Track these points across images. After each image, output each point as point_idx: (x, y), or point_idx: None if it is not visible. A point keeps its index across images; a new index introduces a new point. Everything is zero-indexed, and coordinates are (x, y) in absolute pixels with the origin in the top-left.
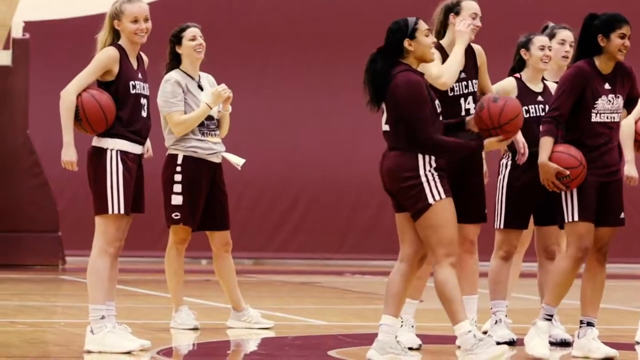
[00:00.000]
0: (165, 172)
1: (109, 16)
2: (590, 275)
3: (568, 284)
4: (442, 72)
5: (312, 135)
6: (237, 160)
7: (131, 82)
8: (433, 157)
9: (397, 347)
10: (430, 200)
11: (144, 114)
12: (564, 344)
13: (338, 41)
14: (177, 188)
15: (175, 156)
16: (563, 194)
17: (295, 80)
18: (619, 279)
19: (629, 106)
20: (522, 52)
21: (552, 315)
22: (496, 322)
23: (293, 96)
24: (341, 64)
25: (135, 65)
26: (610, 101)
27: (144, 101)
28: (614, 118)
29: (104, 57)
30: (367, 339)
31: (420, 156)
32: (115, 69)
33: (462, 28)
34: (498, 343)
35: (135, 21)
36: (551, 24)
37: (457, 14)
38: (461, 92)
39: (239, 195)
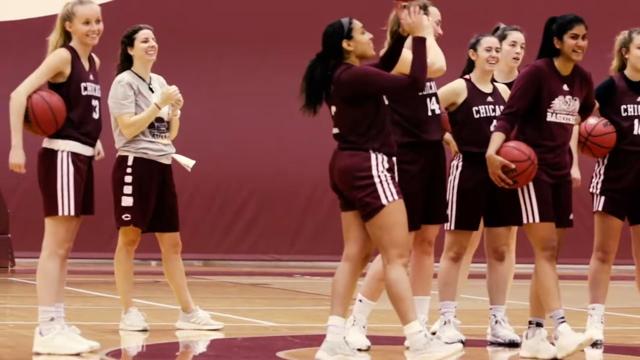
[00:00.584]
0: (115, 173)
1: (60, 18)
2: (540, 277)
3: (554, 284)
4: (434, 60)
5: (263, 137)
6: (187, 162)
7: (82, 84)
8: (385, 158)
9: (345, 348)
10: (384, 201)
11: (95, 115)
12: (513, 344)
13: (291, 42)
14: (128, 189)
15: (125, 158)
16: (521, 195)
17: (247, 81)
18: (567, 280)
19: (584, 113)
20: (470, 52)
21: (563, 317)
22: (445, 323)
23: (244, 98)
24: (293, 65)
25: (86, 66)
26: (567, 102)
27: (95, 103)
28: (569, 120)
29: (56, 59)
30: (317, 340)
31: (373, 156)
32: (67, 71)
33: (426, 22)
34: (447, 344)
35: (87, 23)
36: (502, 25)
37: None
38: (428, 92)
39: (189, 196)
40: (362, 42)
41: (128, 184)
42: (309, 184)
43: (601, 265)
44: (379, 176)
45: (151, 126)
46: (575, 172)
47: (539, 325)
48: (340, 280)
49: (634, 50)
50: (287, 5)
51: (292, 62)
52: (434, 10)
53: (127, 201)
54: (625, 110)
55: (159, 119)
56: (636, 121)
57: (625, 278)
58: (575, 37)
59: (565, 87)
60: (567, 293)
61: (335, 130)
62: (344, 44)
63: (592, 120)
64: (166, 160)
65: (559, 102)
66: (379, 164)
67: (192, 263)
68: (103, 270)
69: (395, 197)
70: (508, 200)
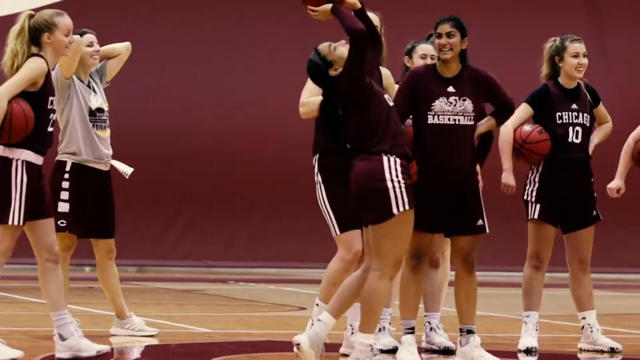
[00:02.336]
0: (53, 178)
1: (32, 28)
2: (461, 284)
3: (413, 293)
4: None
5: (198, 141)
6: (125, 169)
7: (50, 97)
8: (398, 161)
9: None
10: (394, 210)
11: (51, 129)
12: (447, 351)
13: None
14: (65, 195)
15: (63, 163)
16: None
17: (183, 87)
18: (501, 287)
19: (500, 114)
20: (406, 59)
21: (412, 329)
22: (380, 330)
23: (183, 97)
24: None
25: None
26: (451, 103)
27: (52, 116)
28: (459, 120)
29: (37, 68)
30: (251, 347)
31: (385, 159)
32: (41, 82)
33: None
34: (382, 351)
35: (67, 34)
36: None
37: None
38: None
39: (124, 202)
40: (341, 56)
41: (65, 189)
42: (244, 190)
43: (535, 272)
44: (392, 180)
45: (92, 114)
46: (508, 179)
47: (470, 332)
48: (352, 284)
49: (569, 58)
50: None
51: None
52: (372, 16)
53: (63, 207)
54: (560, 117)
55: (100, 109)
56: (570, 128)
57: (559, 285)
58: (439, 36)
59: (450, 89)
60: (499, 301)
61: (348, 145)
62: (331, 72)
63: (526, 127)
64: (104, 167)
65: (440, 104)
66: (392, 168)
67: (127, 269)
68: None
69: (407, 207)
70: (441, 209)
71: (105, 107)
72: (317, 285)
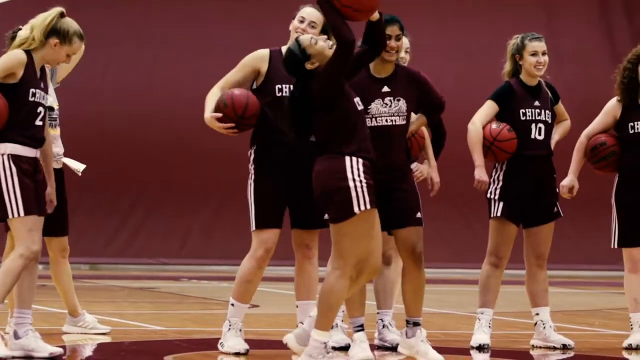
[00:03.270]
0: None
1: (55, 25)
2: (409, 278)
3: (359, 290)
4: None
5: (150, 139)
6: (78, 166)
7: (32, 89)
8: (361, 161)
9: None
10: (356, 209)
11: (40, 122)
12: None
13: None
14: None
15: None
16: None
17: (136, 81)
18: (454, 284)
19: (431, 113)
20: None
21: (361, 326)
22: (332, 327)
23: (135, 95)
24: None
25: (38, 74)
26: (387, 104)
27: (40, 109)
28: (395, 121)
29: (14, 59)
30: (205, 344)
31: (348, 159)
32: (20, 73)
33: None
34: (334, 348)
35: (69, 56)
36: None
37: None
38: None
39: (76, 199)
40: (320, 51)
41: None
42: (196, 187)
43: (493, 270)
44: (353, 180)
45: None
46: (481, 174)
47: (416, 324)
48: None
49: (528, 57)
50: None
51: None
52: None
53: None
54: (524, 114)
55: (50, 108)
56: (533, 125)
57: (512, 282)
58: (388, 37)
59: (385, 89)
60: (451, 298)
61: (313, 138)
62: (308, 66)
63: (495, 125)
64: (56, 165)
65: (376, 106)
66: (354, 167)
67: (79, 267)
68: None
69: (368, 206)
70: (388, 206)
71: (56, 105)
72: (272, 282)
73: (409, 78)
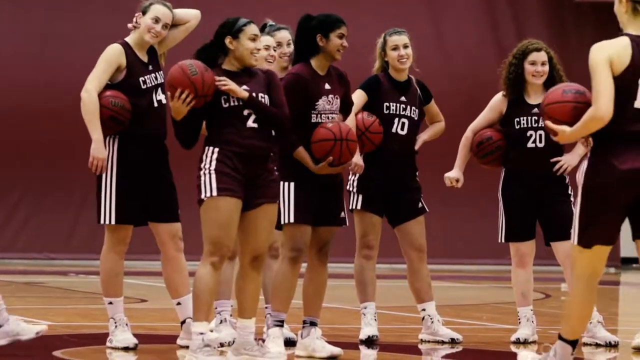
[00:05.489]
0: None
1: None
2: (312, 275)
3: (289, 286)
4: None
5: (37, 130)
6: None
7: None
8: (217, 150)
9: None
10: (202, 195)
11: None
12: (289, 342)
13: None
14: None
15: None
16: (281, 196)
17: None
18: (341, 278)
19: (345, 111)
20: None
21: (282, 321)
22: (221, 322)
23: (23, 83)
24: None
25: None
26: (330, 101)
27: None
28: (334, 118)
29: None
30: (93, 339)
31: (207, 149)
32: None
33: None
34: (222, 344)
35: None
36: (270, 23)
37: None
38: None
39: None
40: (244, 47)
41: None
42: (84, 180)
43: (366, 262)
44: (202, 168)
45: None
46: (359, 160)
47: (313, 324)
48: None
49: (389, 51)
50: None
51: None
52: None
53: None
54: (388, 107)
55: None
56: (396, 120)
57: (398, 277)
58: (342, 36)
59: (327, 86)
60: (339, 292)
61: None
62: (227, 40)
63: (367, 116)
64: None
65: (322, 103)
66: (207, 157)
67: None
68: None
69: (214, 193)
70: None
71: None
72: (159, 277)
73: (340, 76)
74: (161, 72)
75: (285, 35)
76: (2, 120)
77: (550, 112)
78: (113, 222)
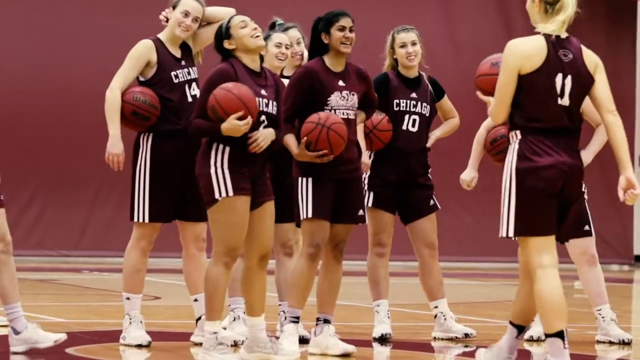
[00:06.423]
0: None
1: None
2: (327, 272)
3: (307, 282)
4: None
5: (49, 128)
6: None
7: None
8: (228, 149)
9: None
10: (217, 195)
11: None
12: (302, 341)
13: None
14: None
15: None
16: (296, 193)
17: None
18: (356, 276)
19: (367, 109)
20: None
21: (298, 318)
22: (234, 319)
23: (34, 82)
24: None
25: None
26: (344, 97)
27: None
28: (349, 115)
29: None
30: (106, 336)
31: (214, 147)
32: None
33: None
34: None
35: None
36: (279, 21)
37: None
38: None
39: None
40: (240, 36)
41: None
42: (96, 177)
43: (379, 260)
44: (214, 165)
45: None
46: (366, 158)
47: (326, 321)
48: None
49: (398, 49)
50: None
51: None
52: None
53: None
54: (398, 104)
55: None
56: (407, 116)
57: (411, 274)
58: (342, 29)
59: (340, 83)
60: (354, 290)
61: None
62: (225, 44)
63: (376, 114)
64: None
65: (335, 98)
66: (218, 154)
67: None
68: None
69: (230, 193)
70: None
71: None
72: (173, 274)
73: (359, 74)
74: (195, 68)
75: (294, 34)
76: (15, 118)
77: (480, 84)
78: (147, 220)
